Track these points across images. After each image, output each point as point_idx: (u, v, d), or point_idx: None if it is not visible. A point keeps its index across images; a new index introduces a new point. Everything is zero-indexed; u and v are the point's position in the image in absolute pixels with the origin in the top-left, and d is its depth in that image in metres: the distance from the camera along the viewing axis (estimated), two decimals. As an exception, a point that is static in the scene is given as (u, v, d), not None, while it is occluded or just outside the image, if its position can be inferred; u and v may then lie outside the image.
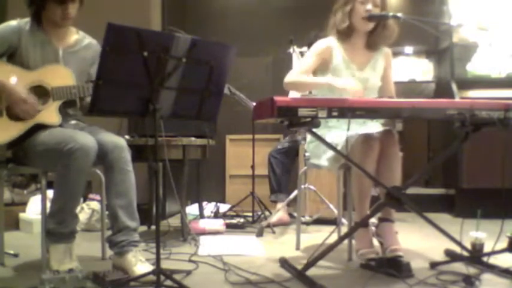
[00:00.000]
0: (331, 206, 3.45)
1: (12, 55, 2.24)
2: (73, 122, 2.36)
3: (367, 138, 2.31)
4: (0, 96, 2.16)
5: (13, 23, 2.26)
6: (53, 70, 2.24)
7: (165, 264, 2.18)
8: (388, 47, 2.65)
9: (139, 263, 2.09)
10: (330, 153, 2.44)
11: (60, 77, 2.22)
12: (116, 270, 2.13)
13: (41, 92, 2.21)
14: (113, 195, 2.15)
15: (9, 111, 2.17)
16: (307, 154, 2.74)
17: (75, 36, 2.39)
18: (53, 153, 2.04)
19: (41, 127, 2.17)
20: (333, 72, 2.54)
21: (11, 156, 2.27)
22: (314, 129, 2.04)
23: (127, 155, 2.19)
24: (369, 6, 2.45)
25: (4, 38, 2.21)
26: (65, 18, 2.24)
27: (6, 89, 2.14)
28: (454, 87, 4.03)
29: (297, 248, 2.80)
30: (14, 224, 3.43)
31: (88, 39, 2.42)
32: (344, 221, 2.87)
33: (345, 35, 2.55)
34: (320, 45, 2.57)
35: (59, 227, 2.10)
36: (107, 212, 2.86)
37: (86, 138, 2.06)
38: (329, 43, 2.56)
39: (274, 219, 3.54)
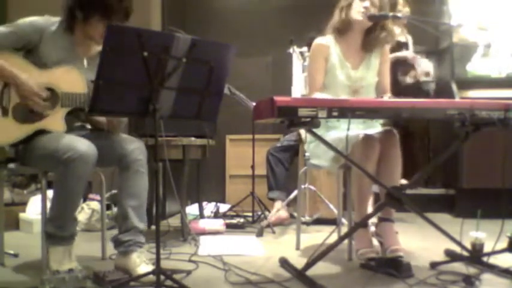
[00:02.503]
0: (331, 206, 3.45)
1: (30, 51, 2.19)
2: (77, 124, 2.33)
3: (368, 139, 2.31)
4: (9, 94, 2.13)
5: (39, 20, 2.21)
6: (66, 73, 2.18)
7: (165, 264, 2.18)
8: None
9: (144, 264, 2.09)
10: (330, 153, 2.44)
11: (72, 81, 2.17)
12: (116, 270, 2.13)
13: (51, 95, 2.16)
14: (126, 195, 2.16)
15: (15, 112, 2.15)
16: (307, 154, 2.74)
17: (98, 48, 2.30)
18: (51, 159, 2.03)
19: (44, 131, 2.15)
20: (329, 71, 2.55)
21: (13, 155, 2.26)
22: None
23: (144, 157, 2.20)
24: (367, 3, 2.47)
25: (24, 34, 2.17)
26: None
27: (19, 81, 2.08)
28: (454, 87, 4.03)
29: (297, 248, 2.80)
30: (14, 224, 3.43)
31: None
32: (344, 221, 2.87)
33: (342, 31, 2.57)
34: (318, 46, 2.59)
35: (58, 231, 2.09)
36: (107, 212, 2.87)
37: (85, 145, 2.03)
38: (326, 41, 2.59)
39: (273, 218, 3.54)
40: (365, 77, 2.59)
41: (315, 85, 2.58)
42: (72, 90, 2.17)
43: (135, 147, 2.19)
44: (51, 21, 2.24)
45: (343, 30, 2.57)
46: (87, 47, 2.31)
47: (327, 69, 2.57)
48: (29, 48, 2.20)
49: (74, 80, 2.18)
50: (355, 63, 2.60)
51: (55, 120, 2.16)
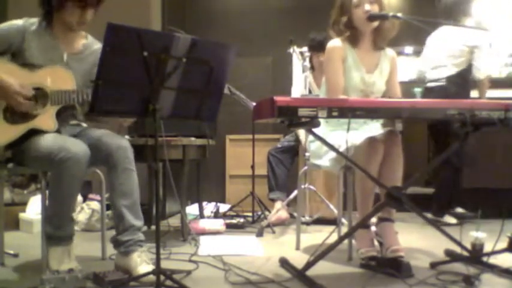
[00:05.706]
0: (331, 206, 3.45)
1: (15, 54, 2.21)
2: (73, 122, 2.35)
3: (372, 141, 2.31)
4: None
5: (18, 22, 2.24)
6: (54, 72, 2.20)
7: (165, 264, 2.17)
8: (390, 48, 2.64)
9: (144, 264, 2.08)
10: (332, 153, 2.43)
11: (60, 79, 2.19)
12: (116, 270, 2.12)
13: (41, 94, 2.17)
14: (118, 195, 2.15)
15: (5, 113, 2.16)
16: (307, 154, 2.73)
17: (83, 41, 2.37)
18: (45, 160, 2.04)
19: (36, 131, 2.15)
20: (345, 73, 2.51)
21: (10, 156, 2.27)
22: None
23: (130, 155, 2.19)
24: (367, 7, 2.45)
25: (6, 36, 2.20)
26: (81, 22, 2.23)
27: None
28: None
29: (297, 248, 2.80)
30: (14, 224, 3.43)
31: (97, 45, 2.36)
32: (344, 221, 2.87)
33: (354, 41, 2.53)
34: (333, 48, 2.51)
35: (56, 231, 2.11)
36: (107, 212, 2.87)
37: (77, 146, 2.05)
38: (340, 43, 2.52)
39: (273, 218, 3.54)
40: (377, 82, 2.55)
41: (337, 88, 2.47)
42: (61, 87, 2.18)
43: (120, 145, 2.17)
44: (30, 22, 2.26)
45: (355, 39, 2.53)
46: (69, 41, 2.32)
47: (343, 70, 2.50)
48: (13, 51, 2.21)
49: (62, 77, 2.20)
50: (370, 67, 2.55)
51: (46, 119, 2.17)
